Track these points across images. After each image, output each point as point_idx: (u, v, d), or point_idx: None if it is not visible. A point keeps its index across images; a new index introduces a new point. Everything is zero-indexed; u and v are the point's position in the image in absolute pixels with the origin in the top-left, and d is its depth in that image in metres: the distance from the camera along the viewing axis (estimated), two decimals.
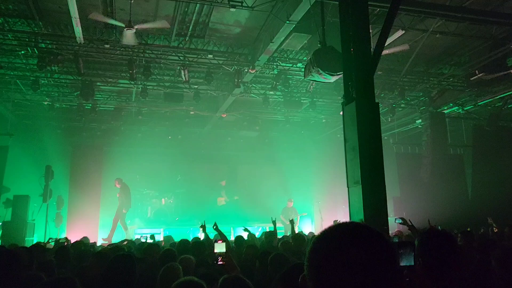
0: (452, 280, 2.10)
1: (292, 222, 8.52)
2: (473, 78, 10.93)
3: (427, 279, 2.18)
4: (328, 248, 0.97)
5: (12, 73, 11.12)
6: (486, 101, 12.92)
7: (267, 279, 3.35)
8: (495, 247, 4.43)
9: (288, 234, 10.58)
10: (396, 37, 8.84)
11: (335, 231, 1.01)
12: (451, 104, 13.60)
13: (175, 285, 2.16)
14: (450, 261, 2.21)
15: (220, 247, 3.00)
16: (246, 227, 8.71)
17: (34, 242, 9.85)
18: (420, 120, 14.18)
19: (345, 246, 0.95)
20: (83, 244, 6.95)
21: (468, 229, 7.04)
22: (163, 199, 15.91)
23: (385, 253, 0.96)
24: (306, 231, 12.64)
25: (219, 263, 2.96)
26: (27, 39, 9.49)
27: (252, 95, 12.87)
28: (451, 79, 12.09)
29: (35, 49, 9.75)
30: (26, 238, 10.81)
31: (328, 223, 14.24)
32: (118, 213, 12.69)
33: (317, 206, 14.86)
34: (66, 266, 4.33)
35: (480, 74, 10.59)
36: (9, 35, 9.33)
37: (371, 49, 6.22)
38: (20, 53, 10.04)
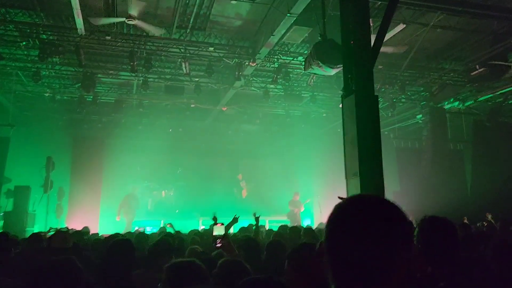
0: (451, 266, 2.14)
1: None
2: (473, 73, 10.93)
3: (426, 265, 2.20)
4: (352, 221, 0.98)
5: (13, 64, 11.14)
6: (487, 96, 12.90)
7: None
8: (490, 239, 4.48)
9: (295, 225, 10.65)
10: (397, 31, 8.84)
11: (357, 203, 1.04)
12: (451, 99, 13.58)
13: (173, 265, 2.20)
14: (449, 248, 2.24)
15: (218, 230, 3.09)
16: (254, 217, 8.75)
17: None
18: (420, 115, 14.18)
19: (370, 220, 0.97)
20: (84, 234, 7.01)
21: (465, 221, 7.08)
22: (163, 192, 16.01)
23: (405, 227, 0.99)
24: (304, 224, 12.71)
25: (217, 245, 3.04)
26: (28, 30, 9.50)
27: (253, 88, 12.88)
28: (451, 74, 12.08)
29: (36, 40, 9.75)
30: (26, 229, 10.89)
31: (327, 215, 14.36)
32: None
33: (317, 199, 14.91)
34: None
35: (481, 69, 10.59)
36: (10, 26, 9.34)
37: (371, 42, 6.24)
38: (21, 44, 10.04)
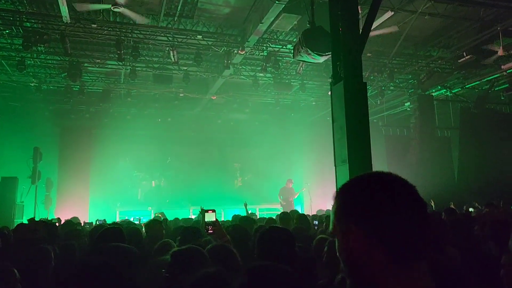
0: (439, 252, 2.18)
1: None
2: (461, 61, 11.02)
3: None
4: (392, 196, 0.98)
5: None
6: (474, 83, 13.05)
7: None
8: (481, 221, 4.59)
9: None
10: (385, 18, 8.85)
11: (388, 181, 1.02)
12: (439, 87, 13.72)
13: (177, 252, 2.24)
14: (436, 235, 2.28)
15: (209, 217, 3.12)
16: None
17: None
18: (408, 103, 14.29)
19: (406, 193, 0.99)
20: (73, 223, 6.99)
21: (451, 206, 7.21)
22: (153, 182, 15.96)
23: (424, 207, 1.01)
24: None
25: (209, 232, 3.09)
26: (11, 18, 9.30)
27: (242, 77, 12.83)
28: (439, 62, 12.17)
29: (20, 28, 9.57)
30: (15, 220, 10.79)
31: (317, 202, 14.48)
32: None
33: (307, 187, 15.02)
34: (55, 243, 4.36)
35: (468, 57, 10.68)
36: None
37: (360, 30, 6.24)
38: (4, 32, 9.83)
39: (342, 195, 1.04)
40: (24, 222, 10.67)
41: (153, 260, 3.14)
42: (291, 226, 5.94)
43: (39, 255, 2.78)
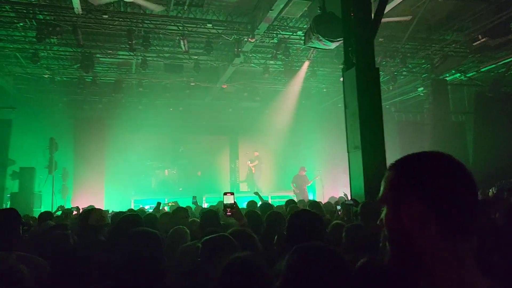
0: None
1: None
2: (476, 43, 10.82)
3: None
4: (449, 171, 1.03)
5: (11, 46, 11.08)
6: (489, 67, 12.82)
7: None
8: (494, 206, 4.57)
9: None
10: (398, 2, 8.71)
11: (443, 157, 1.08)
12: (453, 71, 13.51)
13: (208, 239, 2.32)
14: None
15: (228, 199, 3.21)
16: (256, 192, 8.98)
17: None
18: (422, 88, 14.13)
19: (461, 169, 1.04)
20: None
21: None
22: (166, 170, 16.14)
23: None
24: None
25: (227, 214, 3.19)
26: (24, 11, 9.41)
27: (252, 65, 12.81)
28: (453, 45, 11.95)
29: (33, 20, 9.67)
30: (34, 209, 11.06)
31: (328, 190, 14.50)
32: None
33: (320, 175, 15.03)
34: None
35: (483, 39, 10.48)
36: (6, 7, 9.25)
37: (372, 14, 6.18)
38: (18, 25, 9.96)
39: (402, 166, 1.09)
40: (42, 211, 10.96)
41: (183, 246, 3.25)
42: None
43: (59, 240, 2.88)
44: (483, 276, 0.98)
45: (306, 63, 12.64)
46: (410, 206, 1.00)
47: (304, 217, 2.43)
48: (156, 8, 8.80)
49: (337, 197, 10.75)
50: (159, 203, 7.68)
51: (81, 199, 12.96)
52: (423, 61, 13.28)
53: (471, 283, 0.96)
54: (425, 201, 0.99)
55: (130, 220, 3.19)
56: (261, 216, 4.09)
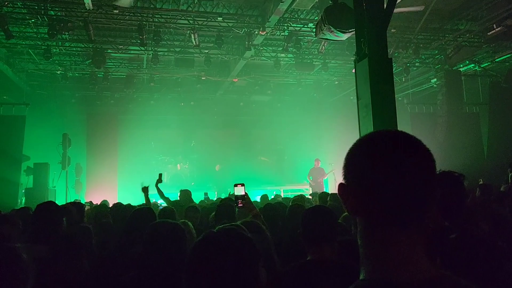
0: (460, 219, 2.17)
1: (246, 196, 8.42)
2: (490, 33, 10.62)
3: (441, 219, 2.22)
4: (374, 152, 0.92)
5: (24, 43, 11.19)
6: (504, 57, 12.59)
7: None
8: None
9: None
10: None
11: (379, 136, 0.96)
12: (467, 62, 13.29)
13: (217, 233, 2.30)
14: (456, 200, 2.25)
15: (239, 190, 3.20)
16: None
17: None
18: (435, 79, 13.93)
19: (392, 150, 0.91)
20: (103, 206, 7.22)
21: (481, 182, 7.06)
22: (178, 165, 16.22)
23: (429, 159, 0.93)
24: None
25: (239, 205, 3.18)
26: (36, 7, 9.48)
27: (263, 58, 12.75)
28: (467, 35, 11.74)
29: (45, 17, 9.75)
30: None
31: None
32: None
33: (331, 167, 14.95)
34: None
35: (498, 28, 10.27)
36: (18, 3, 9.33)
37: (384, 4, 6.08)
38: (30, 21, 10.05)
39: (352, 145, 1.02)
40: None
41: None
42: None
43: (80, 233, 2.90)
44: (435, 267, 0.91)
45: None
46: (342, 191, 0.96)
47: (317, 214, 2.40)
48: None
49: None
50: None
51: (95, 194, 13.09)
52: (436, 51, 13.09)
53: (409, 271, 0.88)
54: (351, 187, 0.94)
55: (143, 213, 3.21)
56: (279, 209, 4.10)
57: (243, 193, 3.20)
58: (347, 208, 0.97)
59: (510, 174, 7.35)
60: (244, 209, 3.26)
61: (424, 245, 0.92)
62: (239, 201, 3.17)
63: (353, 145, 0.99)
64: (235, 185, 3.24)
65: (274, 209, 4.21)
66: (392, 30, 10.77)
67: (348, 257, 2.35)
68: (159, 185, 7.02)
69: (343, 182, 0.97)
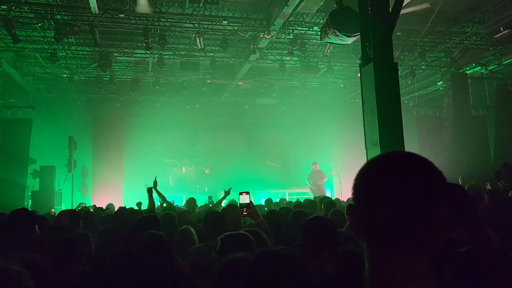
0: (469, 227, 2.13)
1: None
2: (497, 36, 10.54)
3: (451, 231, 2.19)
4: (380, 174, 0.92)
5: (30, 47, 11.26)
6: (511, 59, 12.47)
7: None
8: None
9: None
10: None
11: (387, 159, 0.95)
12: (473, 64, 13.19)
13: (227, 236, 2.32)
14: (463, 211, 2.22)
15: (243, 199, 3.19)
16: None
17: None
18: (441, 82, 13.84)
19: (398, 173, 0.90)
20: (108, 210, 7.23)
21: (488, 187, 6.98)
22: (183, 168, 16.23)
23: (438, 181, 0.92)
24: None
25: (244, 213, 3.17)
26: (43, 11, 9.53)
27: (268, 61, 12.73)
28: (473, 38, 11.65)
29: (51, 21, 9.80)
30: (54, 207, 11.25)
31: (347, 186, 14.35)
32: None
33: (336, 170, 14.89)
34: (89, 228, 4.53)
35: (505, 31, 10.19)
36: (25, 8, 9.39)
37: (390, 7, 6.05)
38: (37, 26, 10.11)
39: (361, 168, 1.01)
40: (63, 209, 11.16)
41: (201, 244, 3.25)
42: (317, 213, 5.95)
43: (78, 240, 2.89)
44: None
45: None
46: (349, 213, 0.96)
47: (316, 225, 2.39)
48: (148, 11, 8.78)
49: None
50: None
51: (100, 197, 13.15)
52: (442, 54, 13.00)
53: None
54: (355, 210, 0.94)
55: (148, 221, 3.19)
56: (282, 216, 4.07)
57: (248, 201, 3.19)
58: (352, 229, 0.96)
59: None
60: (248, 217, 3.24)
61: (432, 260, 0.90)
62: (244, 209, 3.16)
63: (361, 168, 0.99)
64: (240, 193, 3.23)
65: (278, 215, 4.18)
66: (398, 33, 10.72)
67: (350, 268, 2.35)
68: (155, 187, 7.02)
69: (352, 203, 0.97)
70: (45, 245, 2.97)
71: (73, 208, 10.15)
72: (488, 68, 13.26)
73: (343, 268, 2.35)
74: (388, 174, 0.91)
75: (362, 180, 0.96)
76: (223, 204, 7.43)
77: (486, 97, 14.41)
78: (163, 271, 2.09)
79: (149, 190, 6.30)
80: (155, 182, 6.92)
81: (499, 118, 13.17)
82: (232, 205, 4.61)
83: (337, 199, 8.67)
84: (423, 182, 0.89)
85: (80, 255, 2.55)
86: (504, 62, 12.68)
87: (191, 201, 7.76)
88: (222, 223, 3.33)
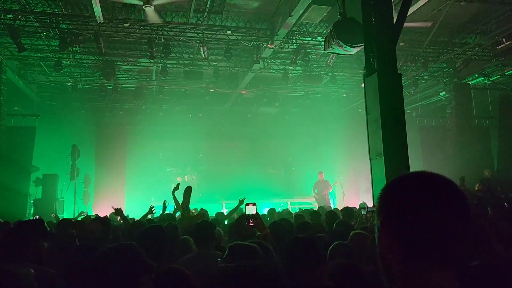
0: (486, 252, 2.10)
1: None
2: (500, 47, 10.56)
3: None
4: (414, 194, 0.95)
5: (35, 55, 11.34)
6: None
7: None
8: None
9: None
10: (420, 5, 8.55)
11: (417, 179, 0.99)
12: (476, 75, 13.21)
13: (235, 245, 2.33)
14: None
15: (250, 210, 3.18)
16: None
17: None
18: (444, 92, 13.85)
19: (430, 194, 0.94)
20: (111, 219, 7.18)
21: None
22: (186, 176, 16.20)
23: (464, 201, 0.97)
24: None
25: (250, 224, 3.16)
26: (48, 20, 9.61)
27: (272, 70, 12.78)
28: (476, 49, 11.68)
29: (56, 30, 9.88)
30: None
31: (350, 196, 14.31)
32: None
33: (339, 180, 14.84)
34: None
35: (508, 42, 10.21)
36: (31, 17, 9.45)
37: (393, 19, 6.06)
38: (42, 34, 10.18)
39: (386, 187, 1.04)
40: (65, 217, 11.13)
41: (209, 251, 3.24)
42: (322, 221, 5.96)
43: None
44: None
45: None
46: (381, 232, 1.00)
47: (296, 246, 2.44)
48: (157, 21, 8.81)
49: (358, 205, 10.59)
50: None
51: (103, 206, 13.09)
52: (445, 65, 13.03)
53: None
54: (389, 229, 0.97)
55: (153, 233, 3.17)
56: (284, 226, 4.05)
57: (255, 212, 3.17)
58: (385, 247, 0.99)
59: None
60: (255, 228, 3.22)
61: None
62: (250, 220, 3.15)
63: (390, 188, 1.02)
64: (247, 204, 3.21)
65: (281, 226, 4.17)
66: (401, 44, 10.74)
67: (346, 280, 2.38)
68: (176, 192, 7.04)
69: (383, 223, 1.00)
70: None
71: (74, 217, 10.12)
72: (491, 79, 13.27)
73: (340, 280, 2.42)
74: (426, 195, 0.94)
75: (396, 201, 0.98)
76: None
77: (488, 108, 14.39)
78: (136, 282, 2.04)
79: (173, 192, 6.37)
80: (176, 187, 6.94)
81: (502, 129, 13.14)
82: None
83: (336, 209, 8.64)
84: (457, 203, 0.94)
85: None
86: (507, 73, 12.70)
87: (204, 211, 7.82)
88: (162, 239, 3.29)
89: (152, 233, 3.16)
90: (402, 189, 0.98)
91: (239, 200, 7.29)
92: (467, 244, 0.94)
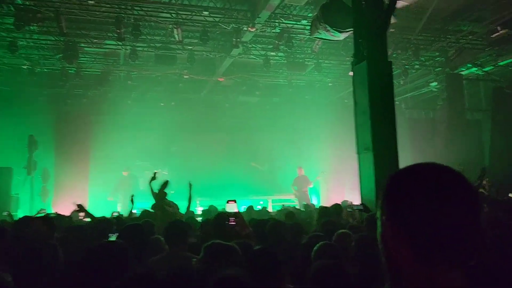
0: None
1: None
2: (494, 36, 10.83)
3: None
4: (423, 188, 0.97)
5: None
6: (508, 61, 12.82)
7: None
8: None
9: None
10: None
11: (425, 171, 1.02)
12: (469, 65, 13.50)
13: (212, 246, 2.35)
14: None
15: (231, 207, 3.18)
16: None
17: (19, 217, 10.00)
18: (435, 83, 14.13)
19: (441, 187, 0.97)
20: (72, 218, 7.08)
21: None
22: (156, 172, 16.03)
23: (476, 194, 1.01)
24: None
25: (231, 223, 3.16)
26: None
27: (252, 56, 12.77)
28: (470, 37, 11.94)
29: (11, 6, 9.59)
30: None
31: (334, 193, 14.48)
32: None
33: (322, 175, 15.01)
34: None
35: (503, 31, 10.48)
36: None
37: (384, 2, 6.14)
38: None
39: (390, 179, 1.06)
40: (19, 215, 10.87)
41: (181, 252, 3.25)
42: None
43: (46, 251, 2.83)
44: None
45: None
46: (386, 226, 1.01)
47: (258, 259, 2.56)
48: None
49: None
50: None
51: (63, 203, 12.83)
52: (437, 53, 13.27)
53: None
54: (397, 223, 0.98)
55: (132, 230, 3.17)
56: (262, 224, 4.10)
57: (236, 210, 3.18)
58: (392, 245, 1.00)
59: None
60: (237, 227, 3.22)
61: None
62: (231, 219, 3.15)
63: (393, 181, 1.03)
64: (228, 202, 3.22)
65: (257, 225, 4.21)
66: (391, 30, 10.84)
67: (329, 281, 2.47)
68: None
69: (384, 217, 1.02)
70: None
71: (33, 215, 9.90)
72: (484, 70, 13.59)
73: (323, 281, 2.54)
74: (437, 190, 0.96)
75: (404, 196, 0.99)
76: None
77: (481, 100, 14.78)
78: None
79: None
80: (153, 177, 6.88)
81: (494, 122, 13.51)
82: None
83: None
84: (470, 198, 0.97)
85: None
86: (500, 64, 13.03)
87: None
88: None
89: (132, 230, 3.16)
90: (416, 183, 0.99)
91: (189, 184, 7.25)
92: (479, 242, 0.96)
